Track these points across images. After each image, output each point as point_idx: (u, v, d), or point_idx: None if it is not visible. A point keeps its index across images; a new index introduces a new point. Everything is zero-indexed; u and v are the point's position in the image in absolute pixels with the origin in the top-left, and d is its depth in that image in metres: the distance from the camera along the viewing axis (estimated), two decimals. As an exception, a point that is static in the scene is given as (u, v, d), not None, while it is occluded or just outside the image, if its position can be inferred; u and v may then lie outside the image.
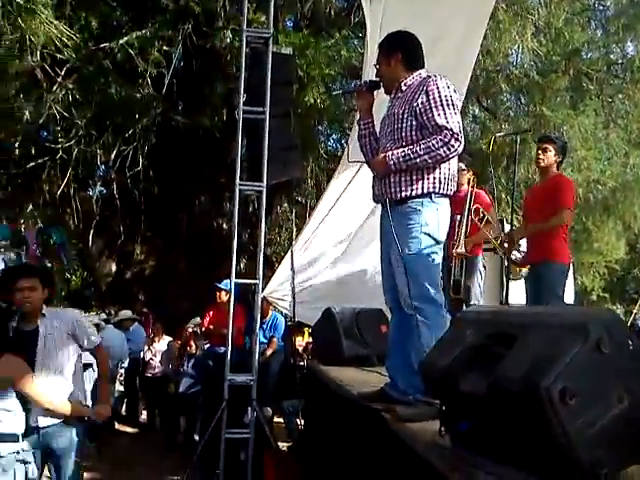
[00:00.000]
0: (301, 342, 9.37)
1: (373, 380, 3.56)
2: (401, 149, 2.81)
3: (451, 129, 2.73)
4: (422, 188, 2.81)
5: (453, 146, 2.74)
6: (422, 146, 2.76)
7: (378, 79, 3.10)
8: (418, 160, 2.76)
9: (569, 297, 8.33)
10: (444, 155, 2.76)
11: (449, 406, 1.99)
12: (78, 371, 3.60)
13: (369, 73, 5.93)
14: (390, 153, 2.83)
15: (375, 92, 3.15)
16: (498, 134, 4.82)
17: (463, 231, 4.91)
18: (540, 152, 4.64)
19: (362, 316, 4.84)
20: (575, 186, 5.41)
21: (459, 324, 2.08)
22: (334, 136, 11.63)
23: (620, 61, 10.53)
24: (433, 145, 2.74)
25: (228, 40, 8.93)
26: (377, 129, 3.14)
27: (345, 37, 8.97)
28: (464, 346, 1.92)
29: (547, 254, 4.43)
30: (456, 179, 2.97)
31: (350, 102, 10.28)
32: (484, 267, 5.11)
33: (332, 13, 9.59)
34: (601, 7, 10.52)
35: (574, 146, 9.47)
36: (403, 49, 3.00)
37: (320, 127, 10.70)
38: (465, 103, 10.44)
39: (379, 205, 3.03)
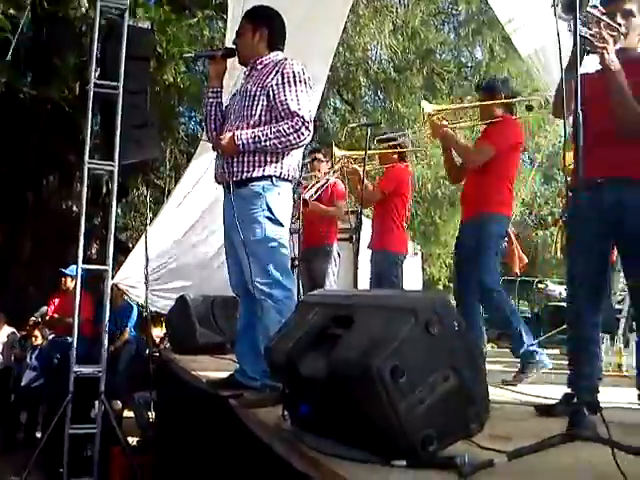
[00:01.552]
0: (159, 332, 9.09)
1: (226, 367, 3.53)
2: (250, 130, 2.76)
3: (302, 116, 2.73)
4: (264, 171, 2.78)
5: (303, 134, 2.74)
6: (273, 129, 2.73)
7: (234, 47, 3.01)
8: (268, 143, 2.73)
9: (417, 286, 8.81)
10: (293, 142, 2.75)
11: (291, 389, 2.01)
12: None
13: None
14: (239, 133, 2.76)
15: (229, 60, 3.06)
16: (350, 125, 5.00)
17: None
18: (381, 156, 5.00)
19: (217, 303, 4.80)
20: (421, 180, 5.73)
21: (303, 308, 2.09)
22: (195, 118, 11.37)
23: (469, 64, 11.25)
24: (284, 130, 2.73)
25: (83, 10, 8.39)
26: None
27: (208, 17, 8.77)
28: (306, 329, 1.94)
29: (381, 243, 4.78)
30: (300, 166, 3.00)
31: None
32: (338, 255, 5.26)
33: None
34: (454, 11, 11.14)
35: (425, 144, 9.98)
36: (270, 26, 2.95)
37: (181, 108, 10.41)
38: (326, 95, 10.63)
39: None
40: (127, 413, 6.28)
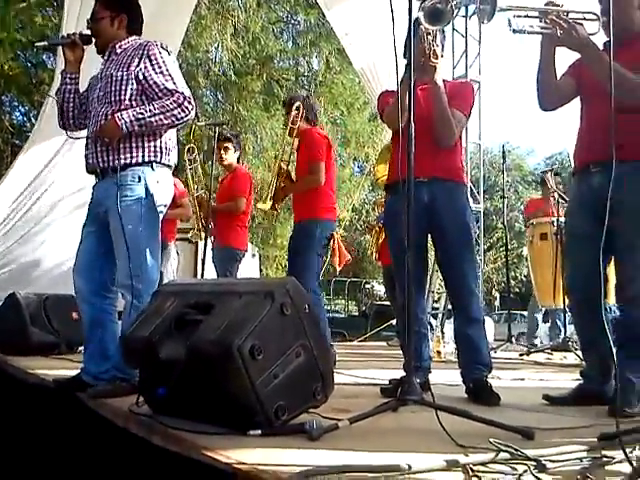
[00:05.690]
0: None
1: (65, 367, 3.45)
2: (131, 110, 2.67)
3: (182, 92, 2.72)
4: (143, 156, 2.73)
5: (187, 108, 2.71)
6: (156, 105, 2.68)
7: (90, 34, 2.91)
8: (153, 119, 2.66)
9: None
10: (179, 117, 2.71)
11: (149, 374, 2.08)
12: None
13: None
14: (120, 114, 2.65)
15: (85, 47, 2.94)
16: (198, 123, 5.04)
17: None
18: (222, 151, 5.09)
19: (50, 302, 4.60)
20: (261, 183, 5.88)
21: (160, 297, 2.17)
22: (21, 109, 10.62)
23: (306, 73, 11.75)
24: (168, 105, 2.68)
25: None
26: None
27: (40, 4, 8.30)
28: (164, 316, 2.03)
29: (224, 240, 4.97)
30: (176, 151, 2.96)
31: (42, 74, 9.53)
32: (177, 253, 5.30)
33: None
34: (293, 21, 11.56)
35: (265, 146, 10.26)
36: (129, 12, 2.90)
37: (5, 97, 9.67)
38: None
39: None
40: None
